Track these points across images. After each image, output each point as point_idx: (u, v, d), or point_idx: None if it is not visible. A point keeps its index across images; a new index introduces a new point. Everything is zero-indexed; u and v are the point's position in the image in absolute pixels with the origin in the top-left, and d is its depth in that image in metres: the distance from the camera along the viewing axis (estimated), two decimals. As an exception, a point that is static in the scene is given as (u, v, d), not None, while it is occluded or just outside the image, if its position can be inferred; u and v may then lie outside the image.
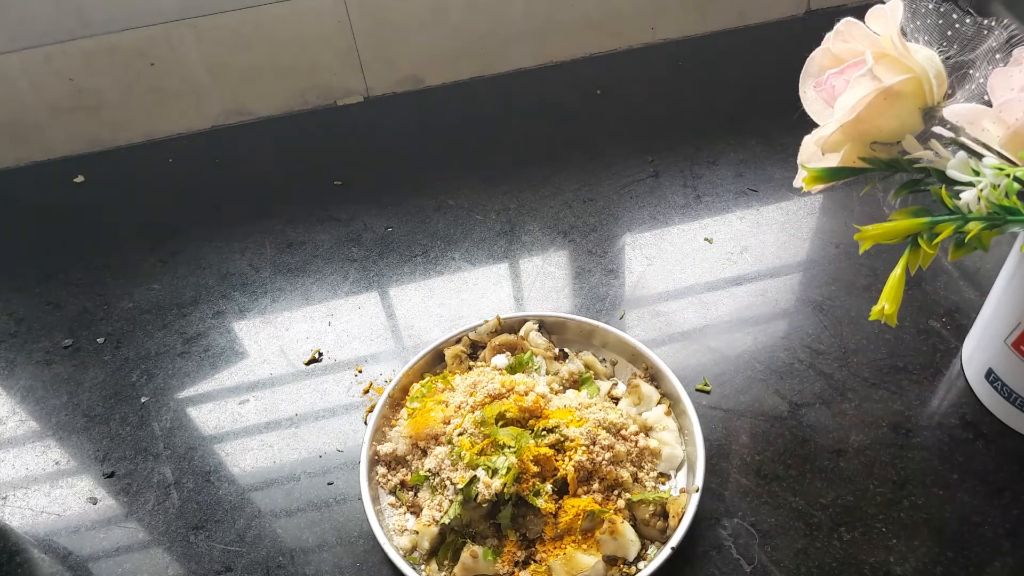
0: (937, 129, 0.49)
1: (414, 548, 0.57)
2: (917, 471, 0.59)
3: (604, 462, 0.57)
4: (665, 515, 0.56)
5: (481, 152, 0.92)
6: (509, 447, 0.57)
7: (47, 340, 0.76)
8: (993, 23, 0.48)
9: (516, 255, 0.80)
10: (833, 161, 0.50)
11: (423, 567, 0.56)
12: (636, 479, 0.58)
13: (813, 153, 0.52)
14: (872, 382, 0.65)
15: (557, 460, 0.57)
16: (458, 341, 0.69)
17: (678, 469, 0.60)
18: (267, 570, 0.58)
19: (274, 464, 0.65)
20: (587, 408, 0.60)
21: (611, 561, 0.55)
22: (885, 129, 0.48)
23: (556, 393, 0.63)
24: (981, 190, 0.44)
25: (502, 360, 0.66)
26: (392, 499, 0.60)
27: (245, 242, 0.84)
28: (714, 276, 0.75)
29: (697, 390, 0.66)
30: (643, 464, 0.59)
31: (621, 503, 0.56)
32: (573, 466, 0.56)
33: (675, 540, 0.54)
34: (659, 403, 0.63)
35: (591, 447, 0.57)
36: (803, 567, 0.55)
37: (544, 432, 0.58)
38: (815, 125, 0.53)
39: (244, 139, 0.97)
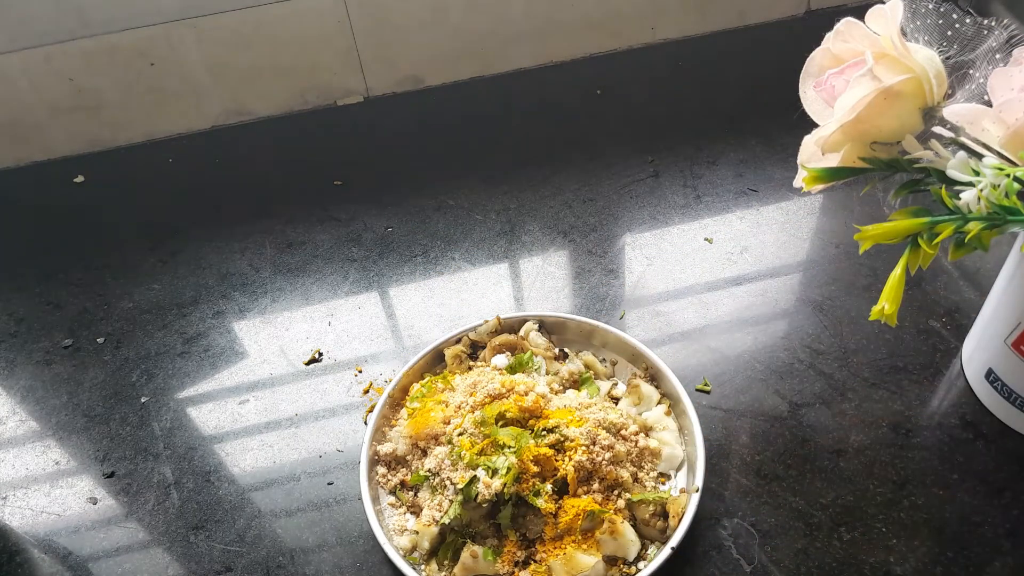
0: (937, 129, 0.49)
1: (414, 548, 0.57)
2: (917, 471, 0.59)
3: (604, 462, 0.57)
4: (665, 515, 0.56)
5: (481, 152, 0.92)
6: (509, 447, 0.57)
7: (47, 340, 0.76)
8: (993, 23, 0.48)
9: (516, 255, 0.80)
10: (833, 161, 0.50)
11: (423, 567, 0.56)
12: (636, 479, 0.58)
13: (813, 153, 0.52)
14: (872, 382, 0.65)
15: (557, 460, 0.57)
16: (458, 341, 0.69)
17: (678, 469, 0.60)
18: (267, 570, 0.58)
19: (274, 464, 0.65)
20: (587, 408, 0.60)
21: (611, 561, 0.55)
22: (885, 129, 0.48)
23: (556, 393, 0.63)
24: (981, 190, 0.44)
25: (502, 360, 0.66)
26: (392, 499, 0.60)
27: (245, 242, 0.84)
28: (714, 276, 0.75)
29: (697, 390, 0.66)
30: (643, 464, 0.59)
31: (621, 503, 0.56)
32: (573, 466, 0.56)
33: (675, 540, 0.54)
34: (659, 403, 0.63)
35: (591, 447, 0.57)
36: (803, 567, 0.55)
37: (544, 432, 0.58)
38: (815, 125, 0.53)
39: (244, 139, 0.97)
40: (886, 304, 0.47)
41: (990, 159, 0.45)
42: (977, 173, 0.45)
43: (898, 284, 0.47)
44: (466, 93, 1.00)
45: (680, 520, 0.55)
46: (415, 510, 0.59)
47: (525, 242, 0.81)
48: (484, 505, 0.55)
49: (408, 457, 0.61)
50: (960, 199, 0.45)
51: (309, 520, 0.61)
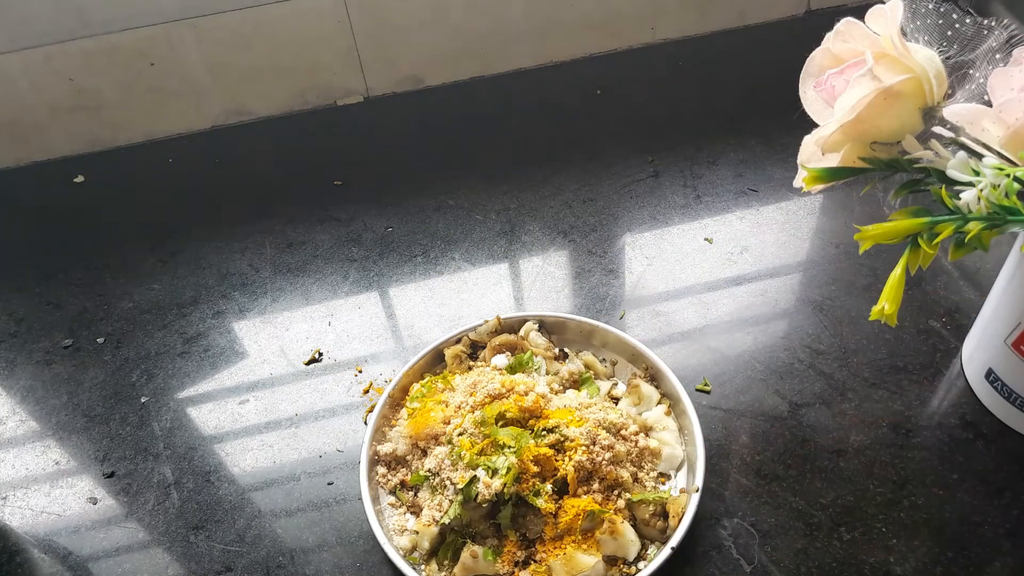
0: (937, 129, 0.48)
1: (414, 548, 0.57)
2: (917, 471, 0.59)
3: (604, 462, 0.57)
4: (665, 515, 0.56)
5: (481, 152, 0.92)
6: (509, 447, 0.57)
7: (47, 340, 0.76)
8: (993, 23, 0.48)
9: (516, 255, 0.80)
10: (833, 161, 0.50)
11: (423, 567, 0.56)
12: (636, 479, 0.58)
13: (813, 153, 0.52)
14: (872, 382, 0.65)
15: (557, 460, 0.57)
16: (458, 341, 0.69)
17: (678, 469, 0.60)
18: (267, 570, 0.58)
19: (274, 464, 0.65)
20: (587, 408, 0.60)
21: (611, 561, 0.55)
22: (885, 129, 0.48)
23: (556, 393, 0.63)
24: (981, 190, 0.44)
25: (502, 360, 0.66)
26: (392, 499, 0.60)
27: (245, 242, 0.84)
28: (714, 276, 0.75)
29: (697, 390, 0.66)
30: (643, 464, 0.59)
31: (621, 503, 0.56)
32: (573, 466, 0.56)
33: (675, 540, 0.54)
34: (659, 403, 0.63)
35: (591, 447, 0.57)
36: (803, 567, 0.55)
37: (544, 432, 0.58)
38: (815, 125, 0.53)
39: (244, 139, 0.97)
40: (886, 304, 0.47)
41: (990, 159, 0.45)
42: (977, 173, 0.45)
43: (898, 284, 0.47)
44: (466, 93, 1.00)
45: (680, 520, 0.55)
46: (415, 510, 0.59)
47: (525, 242, 0.81)
48: (484, 505, 0.55)
49: (408, 457, 0.61)
50: (960, 199, 0.45)
51: (309, 520, 0.61)
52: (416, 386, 0.65)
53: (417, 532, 0.57)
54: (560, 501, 0.56)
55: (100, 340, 0.76)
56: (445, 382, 0.65)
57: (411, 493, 0.60)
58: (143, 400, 0.70)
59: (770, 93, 0.93)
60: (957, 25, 0.49)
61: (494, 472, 0.55)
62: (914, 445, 0.61)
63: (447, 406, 0.62)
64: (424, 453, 0.60)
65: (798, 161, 0.53)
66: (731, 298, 0.73)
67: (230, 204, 0.89)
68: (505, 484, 0.55)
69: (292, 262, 0.81)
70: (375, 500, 0.59)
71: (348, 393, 0.69)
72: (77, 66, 0.89)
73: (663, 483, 0.60)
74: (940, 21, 0.49)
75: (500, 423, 0.59)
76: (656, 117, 0.94)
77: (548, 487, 0.56)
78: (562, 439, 0.57)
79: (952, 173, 0.46)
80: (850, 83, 0.48)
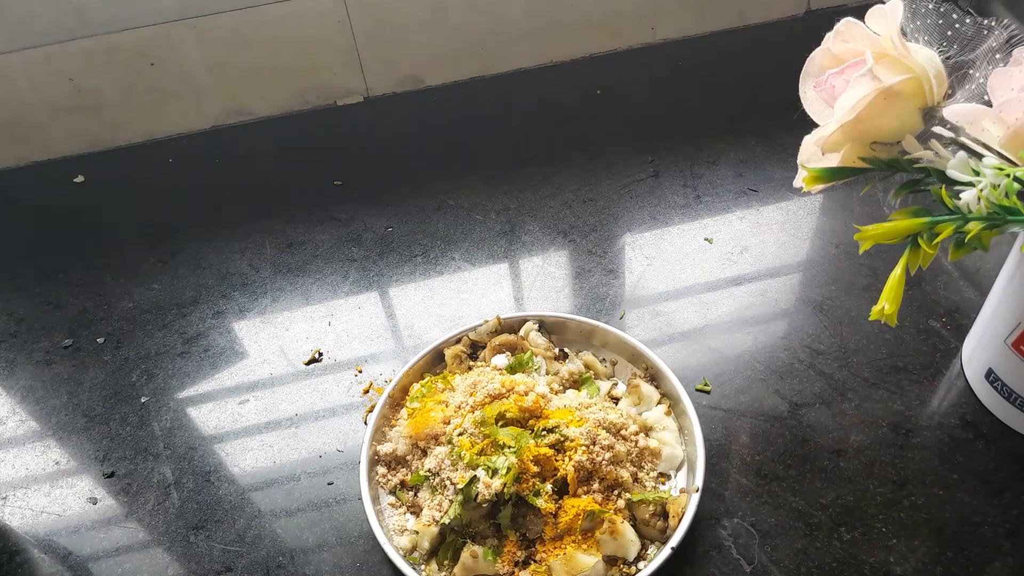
0: (937, 129, 0.48)
1: (414, 548, 0.57)
2: (917, 471, 0.59)
3: (604, 462, 0.57)
4: (665, 515, 0.56)
5: (481, 152, 0.92)
6: (509, 447, 0.57)
7: (47, 340, 0.76)
8: (993, 23, 0.48)
9: (516, 255, 0.80)
10: (833, 161, 0.50)
11: (423, 567, 0.56)
12: (636, 479, 0.58)
13: (813, 153, 0.52)
14: (872, 382, 0.65)
15: (557, 460, 0.57)
16: (458, 341, 0.69)
17: (678, 469, 0.60)
18: (267, 570, 0.58)
19: (274, 464, 0.65)
20: (587, 408, 0.60)
21: (611, 561, 0.55)
22: (885, 129, 0.48)
23: (556, 393, 0.63)
24: (981, 190, 0.44)
25: (502, 360, 0.66)
26: (392, 499, 0.60)
27: (245, 242, 0.84)
28: (714, 276, 0.75)
29: (697, 390, 0.66)
30: (643, 464, 0.59)
31: (621, 503, 0.56)
32: (573, 466, 0.56)
33: (675, 540, 0.54)
34: (659, 403, 0.63)
35: (591, 447, 0.57)
36: (803, 567, 0.55)
37: (544, 432, 0.58)
38: (815, 125, 0.53)
39: (244, 139, 0.97)
40: (886, 304, 0.47)
41: (990, 159, 0.45)
42: (977, 173, 0.45)
43: (898, 284, 0.47)
44: (466, 93, 1.00)
45: (680, 520, 0.55)
46: (415, 510, 0.59)
47: (525, 242, 0.81)
48: (484, 505, 0.55)
49: (408, 457, 0.61)
50: (960, 199, 0.45)
51: (309, 520, 0.61)
52: (416, 386, 0.65)
53: (417, 532, 0.57)
54: (560, 501, 0.56)
55: (100, 340, 0.76)
56: (445, 382, 0.65)
57: (411, 493, 0.60)
58: (143, 400, 0.70)
59: (770, 93, 0.93)
60: (957, 25, 0.49)
61: (494, 472, 0.55)
62: (914, 445, 0.61)
63: (447, 406, 0.62)
64: (424, 453, 0.60)
65: (798, 161, 0.53)
66: (731, 298, 0.73)
67: (230, 204, 0.89)
68: (505, 484, 0.55)
69: (292, 262, 0.81)
70: (375, 500, 0.59)
71: (348, 393, 0.69)
72: (77, 66, 0.89)
73: (663, 483, 0.60)
74: (940, 21, 0.49)
75: (500, 423, 0.59)
76: (656, 117, 0.94)
77: (548, 487, 0.56)
78: (562, 439, 0.57)
79: (952, 173, 0.46)
80: (850, 83, 0.48)
